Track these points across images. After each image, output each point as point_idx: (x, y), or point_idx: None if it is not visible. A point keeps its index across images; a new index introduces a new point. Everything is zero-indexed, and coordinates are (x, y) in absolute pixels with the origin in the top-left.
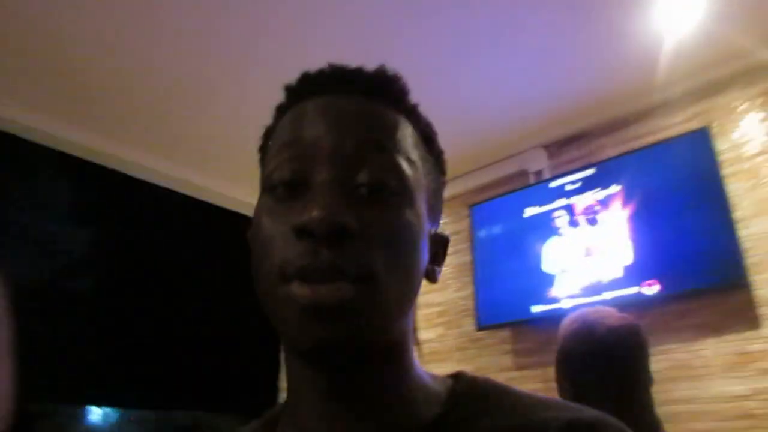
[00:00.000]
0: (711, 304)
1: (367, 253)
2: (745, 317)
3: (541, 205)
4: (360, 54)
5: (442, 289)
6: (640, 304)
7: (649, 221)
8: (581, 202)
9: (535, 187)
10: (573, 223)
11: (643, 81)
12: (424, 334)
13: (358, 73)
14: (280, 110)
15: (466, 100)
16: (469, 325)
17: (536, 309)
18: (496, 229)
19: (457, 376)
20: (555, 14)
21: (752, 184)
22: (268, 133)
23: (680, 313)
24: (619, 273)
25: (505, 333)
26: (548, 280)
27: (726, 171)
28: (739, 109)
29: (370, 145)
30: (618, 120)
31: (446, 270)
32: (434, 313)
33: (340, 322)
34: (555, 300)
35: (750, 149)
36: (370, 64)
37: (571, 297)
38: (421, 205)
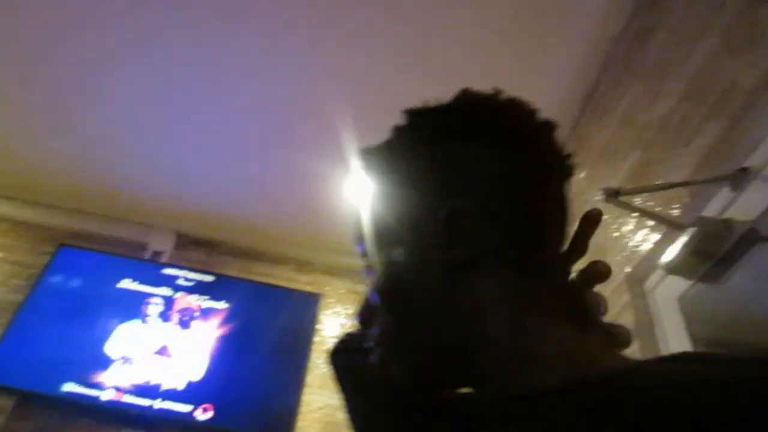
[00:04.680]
0: None
1: None
2: None
3: (142, 283)
4: None
5: None
6: (187, 425)
7: (235, 350)
8: (185, 301)
9: (146, 264)
10: (164, 317)
11: (293, 238)
12: None
13: None
14: None
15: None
16: None
17: (68, 387)
18: (76, 283)
19: None
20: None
21: (323, 360)
22: None
23: None
24: (181, 385)
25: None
26: (102, 362)
27: (315, 340)
28: (342, 294)
29: None
30: (254, 251)
31: None
32: None
33: None
34: (97, 386)
35: (332, 332)
36: None
37: (117, 390)
38: None
